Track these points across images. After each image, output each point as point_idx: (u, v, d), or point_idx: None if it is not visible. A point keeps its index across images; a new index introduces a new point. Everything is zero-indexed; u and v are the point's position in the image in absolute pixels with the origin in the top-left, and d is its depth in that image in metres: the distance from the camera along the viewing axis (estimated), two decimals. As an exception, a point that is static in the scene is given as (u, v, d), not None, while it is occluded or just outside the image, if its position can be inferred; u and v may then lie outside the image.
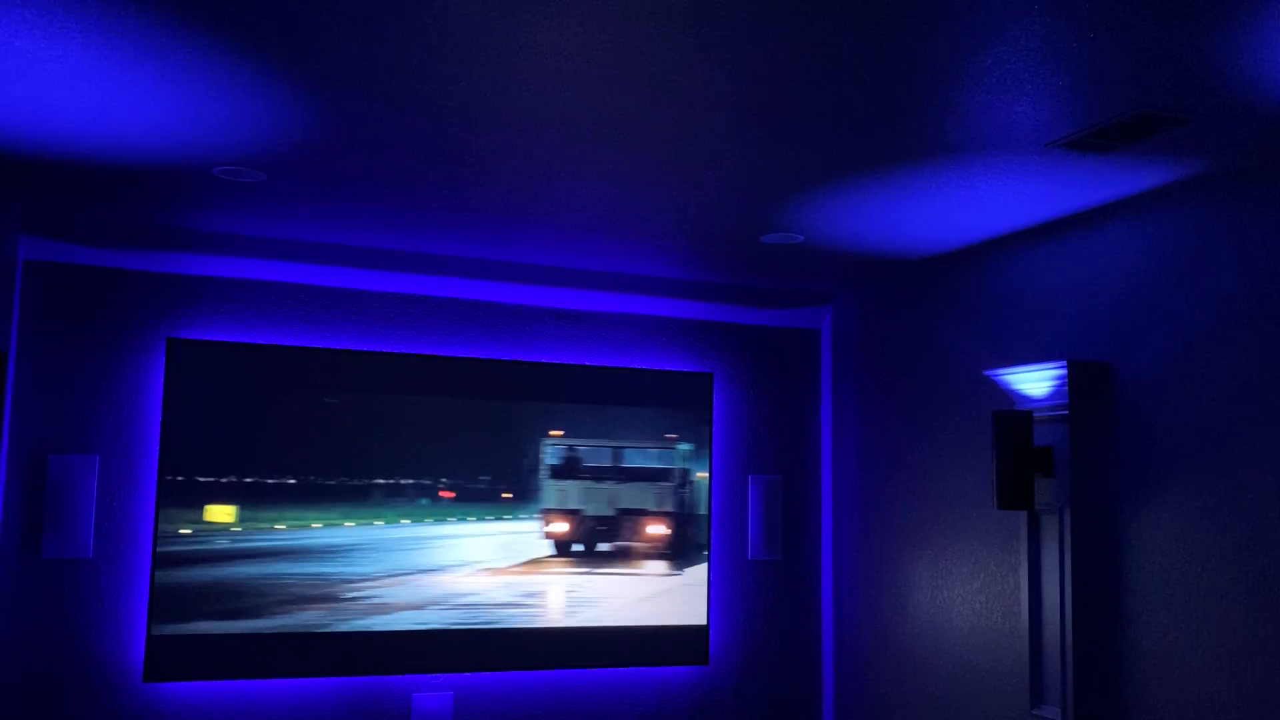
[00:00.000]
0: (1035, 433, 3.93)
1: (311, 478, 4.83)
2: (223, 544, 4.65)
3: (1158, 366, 3.62)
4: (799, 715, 5.54)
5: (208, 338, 4.73)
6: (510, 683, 5.04)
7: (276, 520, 4.75)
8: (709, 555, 5.42)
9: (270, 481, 4.78)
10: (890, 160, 3.38)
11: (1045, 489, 3.89)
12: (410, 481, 5.10)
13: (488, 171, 3.62)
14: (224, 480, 4.68)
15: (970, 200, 3.80)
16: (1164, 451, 3.58)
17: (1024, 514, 4.02)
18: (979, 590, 4.41)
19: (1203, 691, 3.37)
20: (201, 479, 4.63)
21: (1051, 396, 3.89)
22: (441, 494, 5.15)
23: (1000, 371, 4.10)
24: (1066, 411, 3.83)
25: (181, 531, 4.57)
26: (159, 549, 4.53)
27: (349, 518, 4.90)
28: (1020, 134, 3.09)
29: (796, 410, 5.74)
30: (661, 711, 5.28)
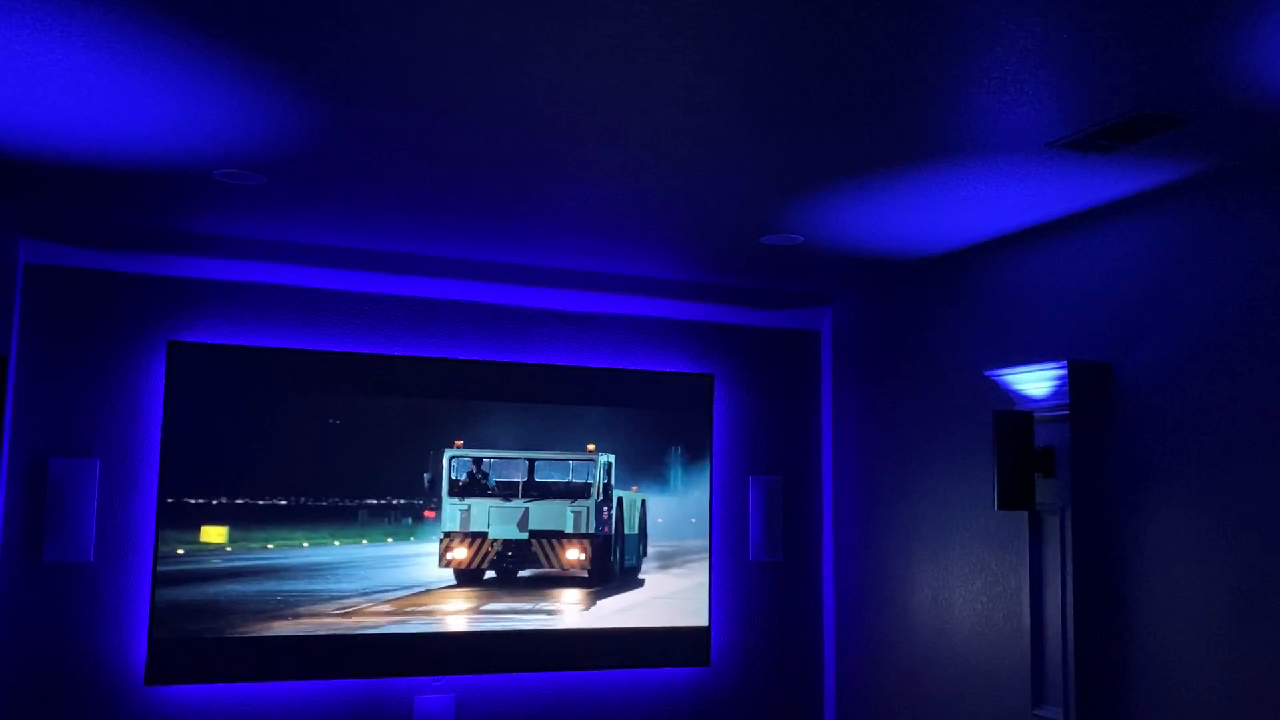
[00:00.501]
0: (1036, 433, 3.93)
1: (307, 498, 4.74)
2: (219, 559, 4.65)
3: (1158, 366, 3.62)
4: (800, 716, 5.54)
5: (208, 341, 4.72)
6: (512, 685, 5.03)
7: (272, 535, 4.75)
8: (710, 556, 5.40)
9: (273, 502, 4.69)
10: (890, 160, 3.38)
11: (1046, 489, 3.89)
12: (402, 501, 4.78)
13: (488, 173, 3.62)
14: (229, 501, 4.67)
15: (970, 200, 3.80)
16: (1165, 451, 3.58)
17: (1025, 514, 4.02)
18: (980, 591, 4.40)
19: (1204, 691, 3.37)
20: (203, 482, 4.63)
21: (1052, 397, 3.89)
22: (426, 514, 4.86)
23: (1001, 372, 4.10)
24: (1067, 412, 3.83)
25: (179, 551, 4.57)
26: (160, 567, 4.53)
27: (349, 533, 4.82)
28: (1020, 134, 3.10)
29: (797, 411, 5.73)
30: (663, 713, 5.27)
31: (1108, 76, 2.67)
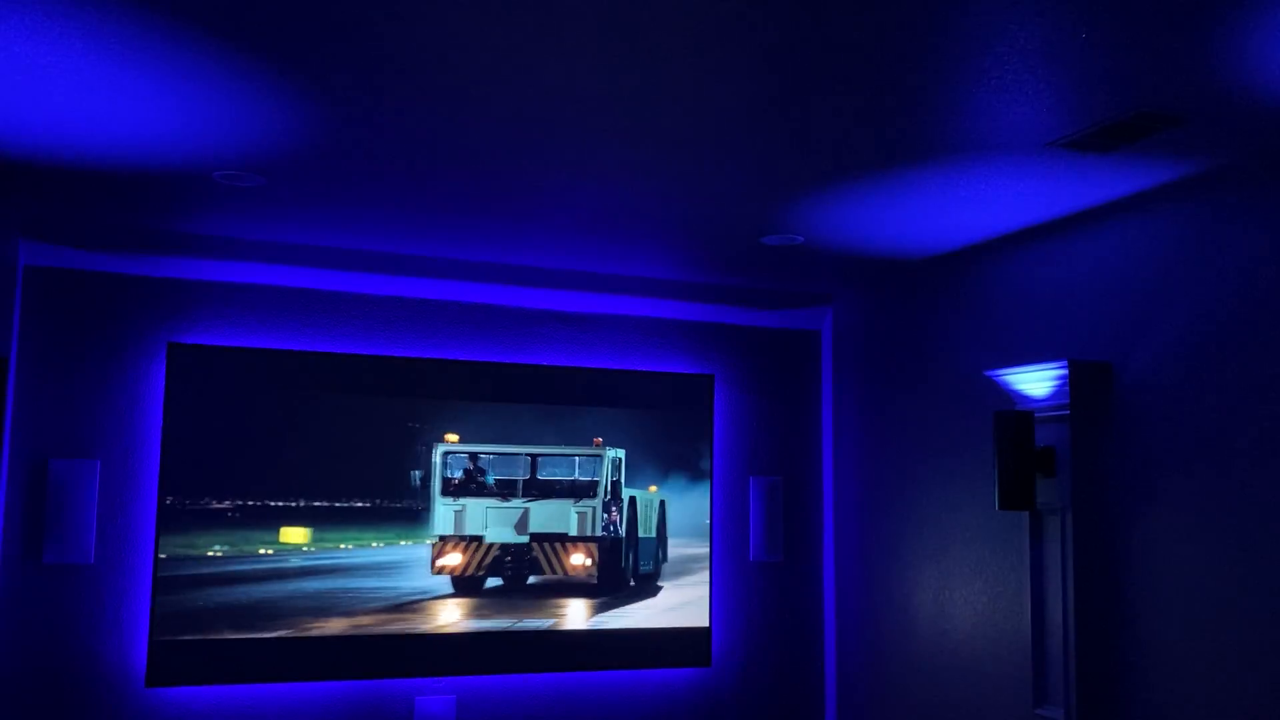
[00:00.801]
0: (1036, 433, 3.92)
1: (309, 500, 4.72)
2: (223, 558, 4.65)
3: (1159, 366, 3.62)
4: (801, 717, 5.54)
5: (208, 342, 4.72)
6: (513, 685, 5.03)
7: (272, 537, 4.75)
8: (710, 557, 5.39)
9: (275, 503, 4.67)
10: (890, 160, 3.38)
11: (1047, 489, 3.89)
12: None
13: (488, 174, 3.62)
14: (230, 504, 4.67)
15: (971, 200, 3.80)
16: (1165, 451, 3.57)
17: (1026, 514, 4.02)
18: (981, 591, 4.40)
19: (1205, 691, 3.37)
20: (204, 484, 4.63)
21: (1052, 396, 3.89)
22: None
23: (1001, 372, 4.10)
24: (1068, 411, 3.83)
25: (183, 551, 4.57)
26: (160, 573, 4.53)
27: (351, 535, 4.84)
28: (1020, 134, 3.09)
29: (797, 411, 5.73)
30: (664, 713, 5.27)
31: (1108, 76, 2.67)
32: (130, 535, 4.56)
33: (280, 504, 4.70)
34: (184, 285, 4.73)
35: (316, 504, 4.75)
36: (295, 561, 4.72)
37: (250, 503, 4.68)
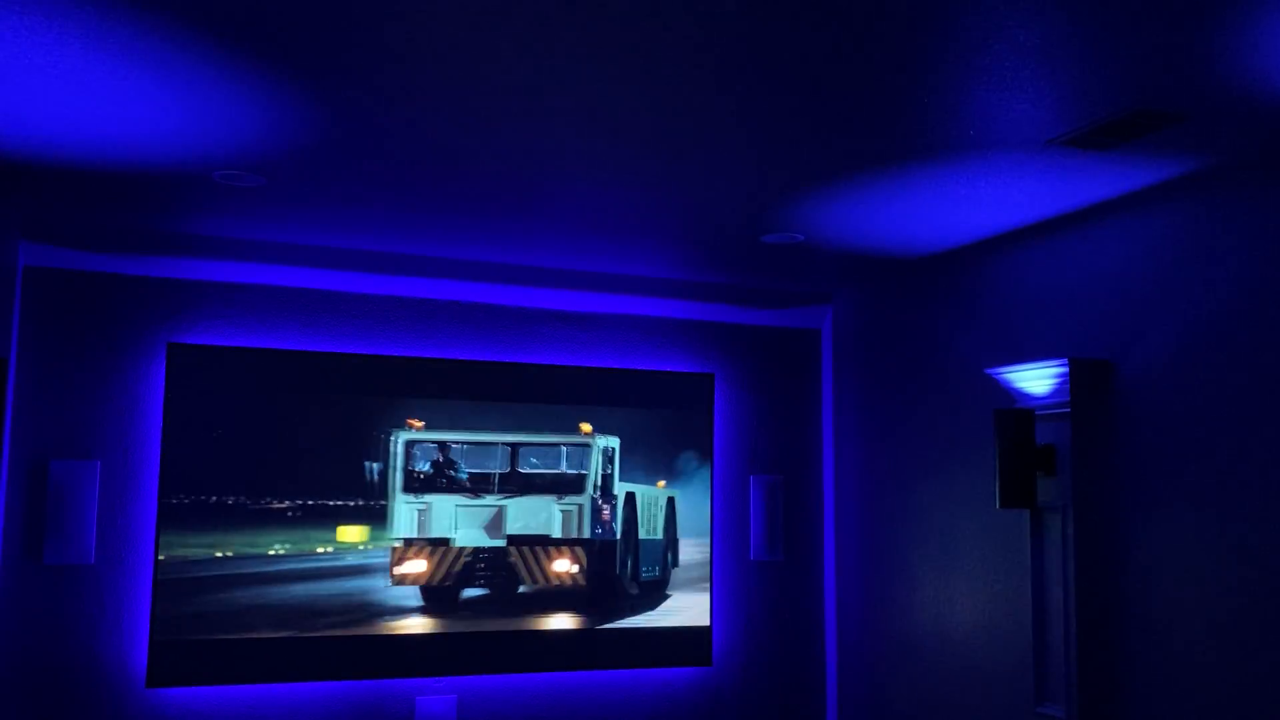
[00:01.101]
0: (1037, 431, 3.93)
1: (308, 500, 4.78)
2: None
3: (1159, 364, 3.62)
4: (802, 716, 5.54)
5: (208, 343, 4.72)
6: (514, 685, 5.03)
7: (274, 538, 4.74)
8: (711, 556, 5.39)
9: (273, 505, 4.72)
10: (890, 159, 3.38)
11: (1047, 487, 3.89)
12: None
13: (488, 173, 3.62)
14: (229, 500, 4.67)
15: (971, 199, 3.80)
16: (1166, 449, 3.57)
17: (1027, 512, 4.02)
18: (982, 589, 4.40)
19: (1206, 688, 3.37)
20: (205, 484, 4.62)
21: (1053, 394, 3.89)
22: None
23: (1002, 370, 4.10)
24: (1068, 409, 3.83)
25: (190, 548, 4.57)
26: (157, 571, 4.53)
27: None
28: (1020, 132, 3.09)
29: (798, 410, 5.73)
30: (665, 713, 5.27)
31: (1107, 73, 2.67)
32: (130, 535, 4.56)
33: (285, 504, 4.70)
34: (184, 285, 4.73)
35: (316, 504, 4.75)
36: (297, 563, 4.72)
37: (253, 504, 4.68)
